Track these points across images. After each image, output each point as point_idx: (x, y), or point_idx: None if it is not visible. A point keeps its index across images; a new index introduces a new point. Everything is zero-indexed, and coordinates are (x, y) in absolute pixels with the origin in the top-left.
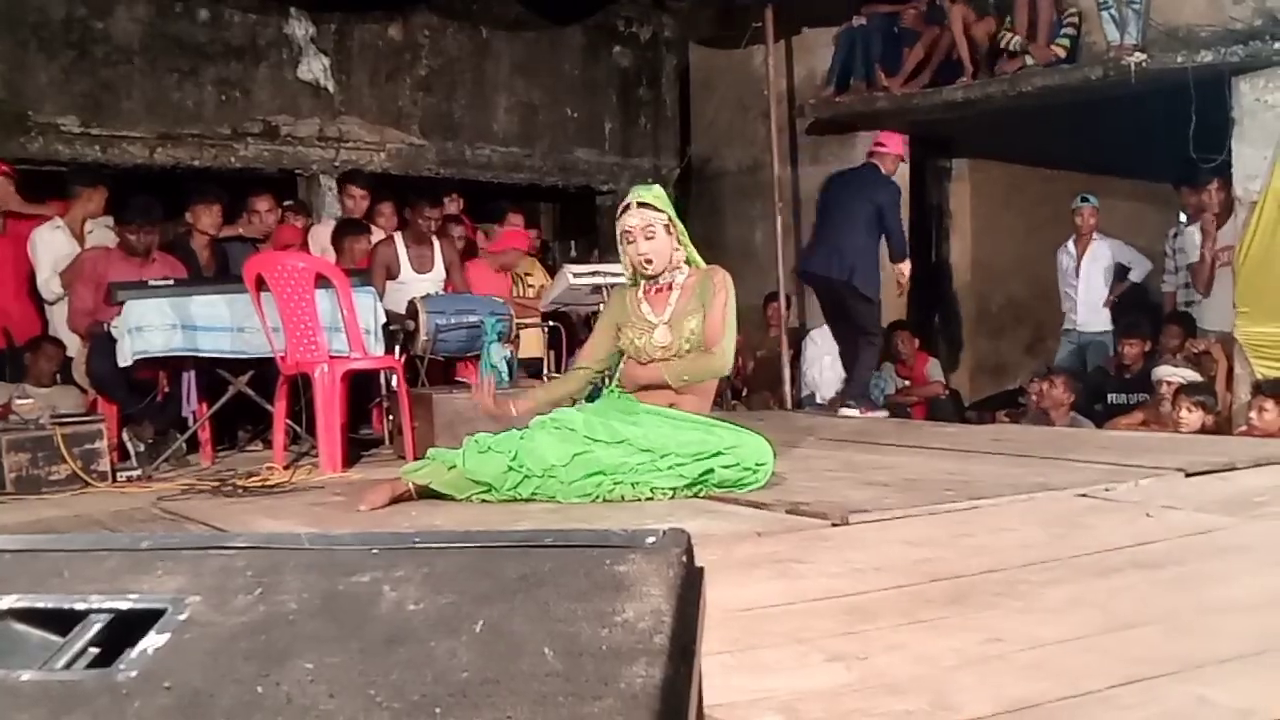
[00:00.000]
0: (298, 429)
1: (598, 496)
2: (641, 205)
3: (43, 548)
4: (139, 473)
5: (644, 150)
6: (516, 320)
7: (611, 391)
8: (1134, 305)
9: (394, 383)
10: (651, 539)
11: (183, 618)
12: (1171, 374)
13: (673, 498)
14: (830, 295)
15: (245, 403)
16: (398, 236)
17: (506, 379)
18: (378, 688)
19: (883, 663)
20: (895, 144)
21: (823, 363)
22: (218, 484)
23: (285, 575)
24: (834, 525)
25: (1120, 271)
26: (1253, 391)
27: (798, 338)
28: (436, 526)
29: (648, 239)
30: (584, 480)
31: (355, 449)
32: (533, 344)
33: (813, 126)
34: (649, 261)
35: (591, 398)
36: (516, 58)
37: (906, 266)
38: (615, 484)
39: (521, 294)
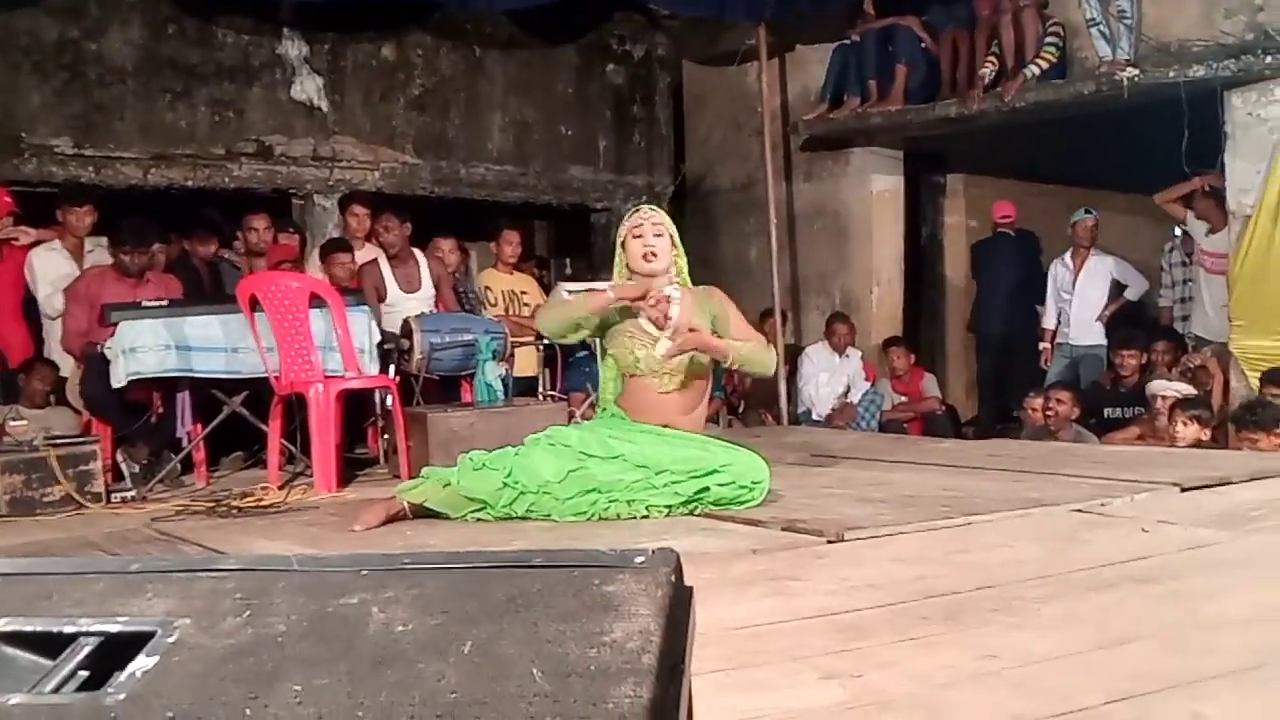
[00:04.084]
0: (293, 449)
1: (593, 514)
2: (653, 210)
3: (31, 571)
4: (133, 494)
5: (638, 168)
6: (512, 339)
7: (605, 410)
8: (1129, 319)
9: (389, 402)
10: (640, 559)
11: (171, 640)
12: (1166, 388)
13: (668, 515)
14: (1000, 343)
15: (240, 423)
16: (380, 257)
17: (501, 397)
18: (366, 709)
19: (877, 680)
20: (1009, 208)
21: (819, 379)
22: (213, 505)
23: (274, 597)
24: (829, 542)
25: (1116, 288)
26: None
27: (794, 354)
28: (431, 546)
29: (656, 235)
30: (579, 498)
31: (350, 468)
32: (528, 363)
33: (807, 143)
34: (654, 254)
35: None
36: (510, 77)
37: None
38: (610, 502)
39: (517, 312)
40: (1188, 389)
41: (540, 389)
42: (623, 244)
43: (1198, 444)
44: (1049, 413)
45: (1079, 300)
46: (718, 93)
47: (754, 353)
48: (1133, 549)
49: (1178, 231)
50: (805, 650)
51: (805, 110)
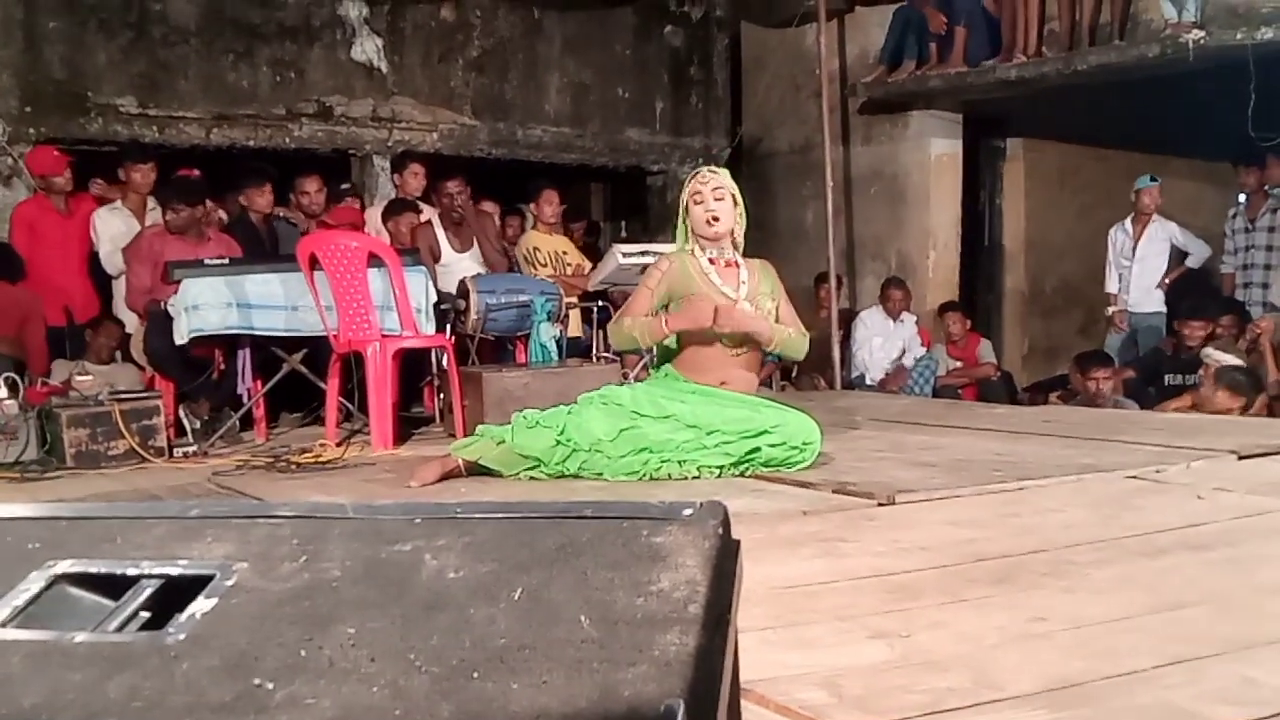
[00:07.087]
0: (350, 406)
1: (644, 474)
2: (713, 173)
3: (96, 515)
4: (195, 449)
5: (695, 130)
6: (565, 300)
7: (658, 371)
8: (1191, 287)
9: (445, 361)
10: (688, 511)
11: (230, 583)
12: (1214, 355)
13: (719, 476)
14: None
15: (299, 381)
16: (434, 218)
17: (555, 358)
18: (417, 652)
19: (925, 640)
20: None
21: (872, 344)
22: (272, 460)
23: (329, 543)
24: (880, 505)
25: (1177, 255)
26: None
27: (848, 319)
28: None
29: (718, 200)
30: (631, 457)
31: (406, 427)
32: (580, 324)
33: (865, 106)
34: (716, 219)
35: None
36: (568, 38)
37: None
38: (662, 461)
39: (561, 272)
40: (1230, 358)
41: (594, 350)
42: (685, 209)
43: (1242, 413)
44: (1090, 386)
45: (1139, 267)
46: (776, 54)
47: (793, 340)
48: (1188, 515)
49: (1242, 198)
50: (854, 610)
51: (864, 72)
